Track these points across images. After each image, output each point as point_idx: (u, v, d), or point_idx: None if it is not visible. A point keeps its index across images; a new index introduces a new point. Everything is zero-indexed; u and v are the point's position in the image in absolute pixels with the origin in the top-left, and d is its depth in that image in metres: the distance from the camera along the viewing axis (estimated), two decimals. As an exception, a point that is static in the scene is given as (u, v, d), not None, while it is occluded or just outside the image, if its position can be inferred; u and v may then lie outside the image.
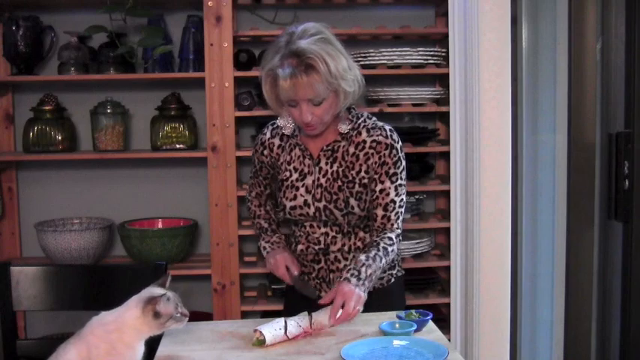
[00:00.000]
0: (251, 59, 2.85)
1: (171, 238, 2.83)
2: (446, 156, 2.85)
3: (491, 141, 2.54)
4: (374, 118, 1.98)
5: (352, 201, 1.93)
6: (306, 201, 1.95)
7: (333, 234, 1.98)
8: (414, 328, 1.70)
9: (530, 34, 2.79)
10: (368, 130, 1.93)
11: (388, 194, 1.92)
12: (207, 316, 2.89)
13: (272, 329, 1.67)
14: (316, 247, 2.00)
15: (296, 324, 1.71)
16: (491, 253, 2.57)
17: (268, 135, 2.04)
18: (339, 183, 1.93)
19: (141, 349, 1.49)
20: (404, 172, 1.95)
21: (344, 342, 1.65)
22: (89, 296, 2.00)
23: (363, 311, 1.82)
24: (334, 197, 1.93)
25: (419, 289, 2.88)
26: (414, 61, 2.78)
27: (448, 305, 2.75)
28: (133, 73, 2.90)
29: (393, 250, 1.91)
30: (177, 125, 2.91)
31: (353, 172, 1.93)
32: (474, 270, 2.58)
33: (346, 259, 1.99)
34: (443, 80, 2.94)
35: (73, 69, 2.87)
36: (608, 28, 2.57)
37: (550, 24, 2.76)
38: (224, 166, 2.75)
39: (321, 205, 1.94)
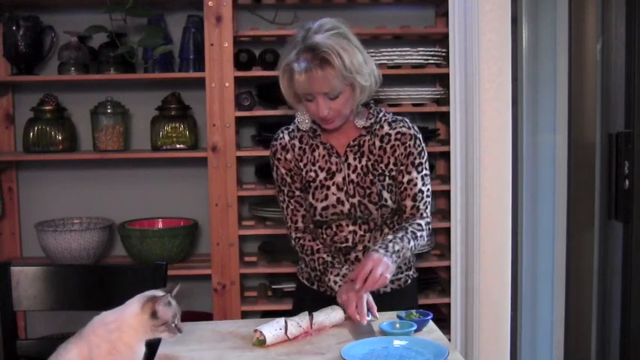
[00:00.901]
0: (251, 59, 2.85)
1: (171, 238, 2.83)
2: (446, 156, 2.85)
3: (491, 141, 2.54)
4: (391, 113, 2.01)
5: (385, 193, 1.93)
6: (339, 199, 1.94)
7: (361, 232, 1.97)
8: (414, 328, 1.70)
9: (530, 34, 2.79)
10: (389, 124, 1.96)
11: (416, 184, 1.95)
12: (207, 316, 2.89)
13: (272, 329, 1.67)
14: (342, 246, 1.98)
15: (296, 324, 1.71)
16: (491, 253, 2.57)
17: (287, 137, 2.00)
18: (371, 177, 1.94)
19: (141, 350, 1.49)
20: (427, 162, 1.98)
21: (344, 342, 1.65)
22: (89, 296, 2.00)
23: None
24: (367, 191, 1.93)
25: (419, 289, 2.87)
26: (414, 61, 2.78)
27: (448, 305, 2.75)
28: (133, 73, 2.90)
29: (422, 236, 1.92)
30: (177, 125, 2.91)
31: (382, 165, 1.94)
32: (474, 270, 2.58)
33: None
34: (443, 80, 2.93)
35: (73, 69, 2.87)
36: (608, 28, 2.56)
37: (550, 24, 2.76)
38: (224, 166, 2.75)
39: (355, 200, 1.93)
